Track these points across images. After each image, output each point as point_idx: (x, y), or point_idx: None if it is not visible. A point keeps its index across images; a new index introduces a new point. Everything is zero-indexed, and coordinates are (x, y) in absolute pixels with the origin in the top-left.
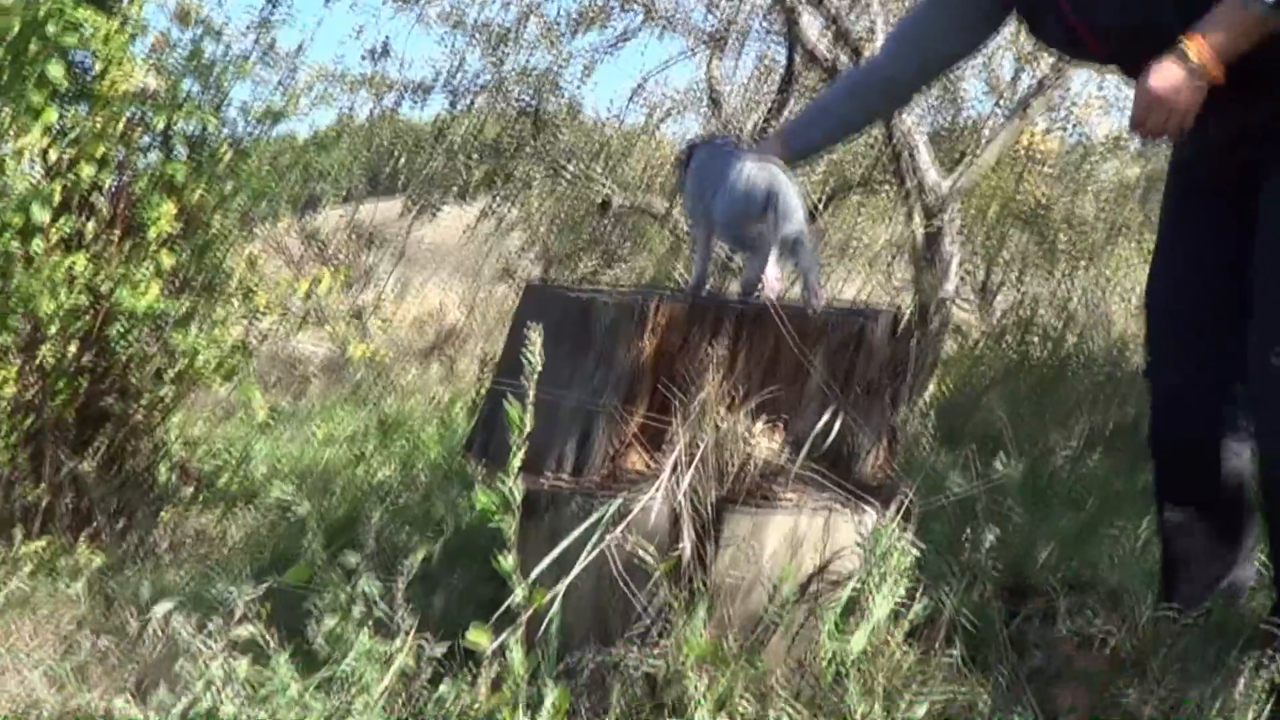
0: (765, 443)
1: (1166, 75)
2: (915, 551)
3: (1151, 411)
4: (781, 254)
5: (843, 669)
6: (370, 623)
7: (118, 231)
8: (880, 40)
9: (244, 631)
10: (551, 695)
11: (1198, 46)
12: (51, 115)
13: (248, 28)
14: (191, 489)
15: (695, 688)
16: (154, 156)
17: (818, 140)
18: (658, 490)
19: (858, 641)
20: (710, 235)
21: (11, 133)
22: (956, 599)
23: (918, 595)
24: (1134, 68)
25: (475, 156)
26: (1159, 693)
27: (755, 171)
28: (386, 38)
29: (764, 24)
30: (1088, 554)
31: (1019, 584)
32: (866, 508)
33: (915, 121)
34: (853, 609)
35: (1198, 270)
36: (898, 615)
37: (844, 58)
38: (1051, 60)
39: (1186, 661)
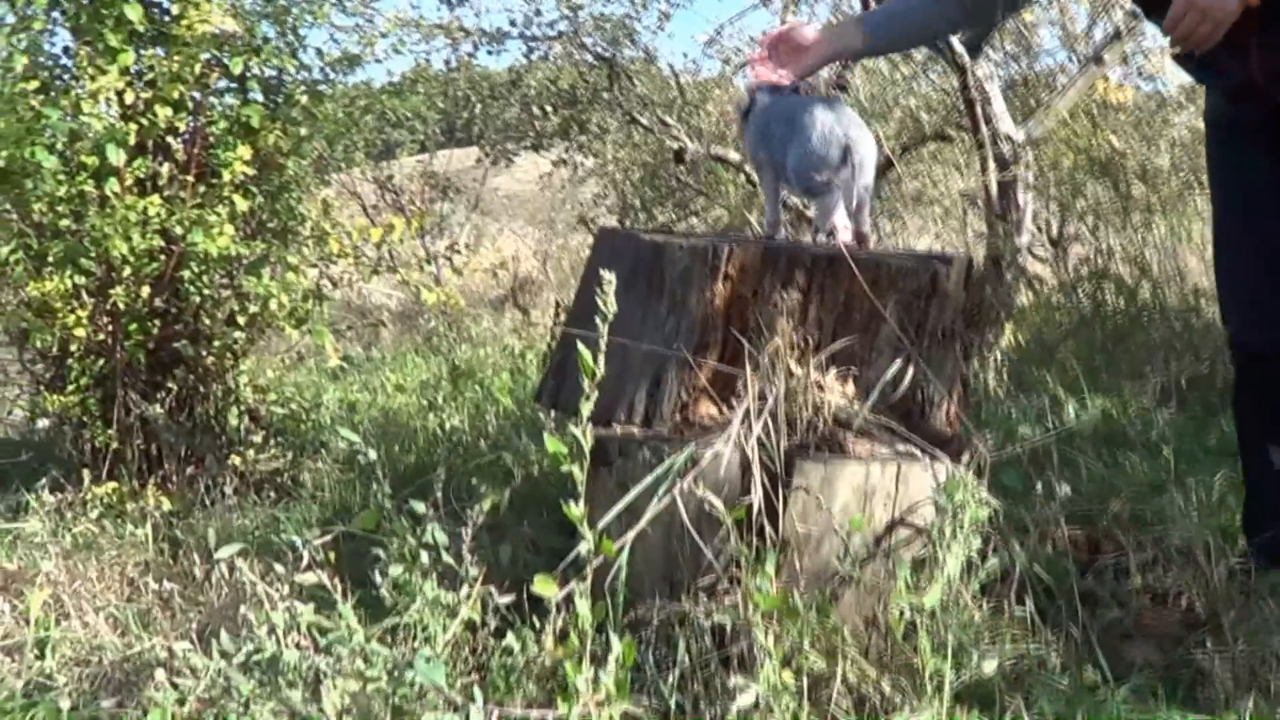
0: (837, 392)
1: None
2: (989, 507)
3: (1236, 371)
4: (848, 203)
5: (914, 625)
6: (437, 572)
7: (192, 174)
8: None
9: (309, 578)
10: (618, 647)
11: None
12: (129, 57)
13: None
14: (261, 435)
15: (763, 641)
16: (230, 100)
17: (893, 39)
18: (728, 439)
19: (932, 596)
20: (778, 181)
21: (89, 74)
22: (1028, 553)
23: (990, 549)
24: None
25: (550, 105)
26: (1233, 651)
27: (831, 122)
28: None
29: None
30: (1161, 508)
31: (1091, 537)
32: (939, 459)
33: (989, 71)
34: (924, 562)
35: (1265, 227)
36: (970, 569)
37: None
38: (1125, 10)
39: (1262, 619)
